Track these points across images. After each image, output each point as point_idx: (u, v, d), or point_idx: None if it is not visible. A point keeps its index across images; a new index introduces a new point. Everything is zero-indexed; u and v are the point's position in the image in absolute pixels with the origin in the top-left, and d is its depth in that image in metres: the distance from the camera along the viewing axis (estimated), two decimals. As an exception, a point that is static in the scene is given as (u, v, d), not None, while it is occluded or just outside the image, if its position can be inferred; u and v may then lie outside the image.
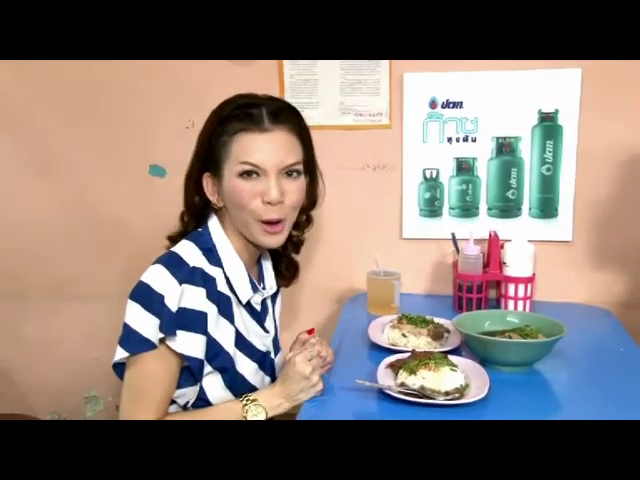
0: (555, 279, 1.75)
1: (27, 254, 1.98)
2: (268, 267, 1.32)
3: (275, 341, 1.32)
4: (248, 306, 1.23)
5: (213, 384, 1.16)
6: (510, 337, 1.29)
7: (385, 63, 1.73)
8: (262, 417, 1.12)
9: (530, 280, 1.63)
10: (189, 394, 1.15)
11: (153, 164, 1.87)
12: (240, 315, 1.21)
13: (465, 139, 1.75)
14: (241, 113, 1.15)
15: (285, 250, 1.33)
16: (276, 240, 1.19)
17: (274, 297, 1.35)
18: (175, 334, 1.08)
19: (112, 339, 1.94)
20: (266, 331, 1.28)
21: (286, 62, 1.76)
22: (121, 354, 1.10)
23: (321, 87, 1.77)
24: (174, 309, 1.08)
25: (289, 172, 1.17)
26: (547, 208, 1.75)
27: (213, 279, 1.15)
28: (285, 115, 1.17)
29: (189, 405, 1.16)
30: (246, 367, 1.20)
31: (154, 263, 1.13)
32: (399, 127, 1.76)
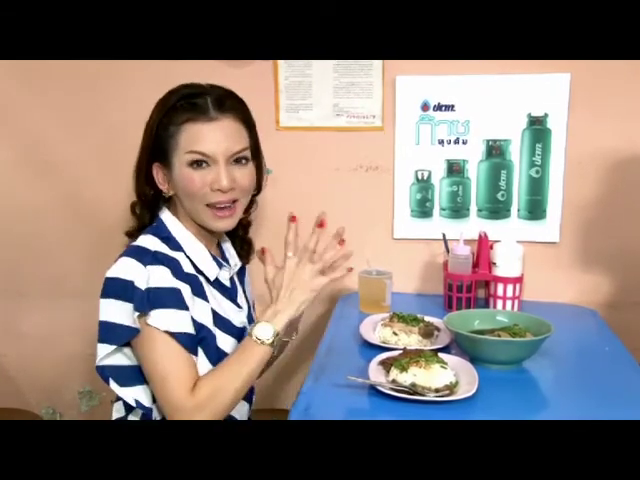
0: (543, 279, 1.77)
1: (24, 251, 1.98)
2: (228, 247, 1.36)
3: (249, 316, 1.34)
4: (217, 284, 1.26)
5: (198, 362, 1.16)
6: (499, 336, 1.31)
7: (378, 66, 1.74)
8: (271, 331, 1.14)
9: (519, 280, 1.65)
10: None
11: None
12: (212, 294, 1.23)
13: (456, 141, 1.77)
14: (186, 103, 1.17)
15: (236, 231, 1.36)
16: (226, 224, 1.22)
17: (241, 275, 1.39)
18: (148, 313, 1.09)
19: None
20: (239, 307, 1.30)
21: (281, 64, 1.77)
22: (106, 349, 1.11)
23: (315, 89, 1.79)
24: (143, 289, 1.10)
25: (238, 159, 1.19)
26: (535, 210, 1.78)
27: (176, 260, 1.17)
28: (230, 103, 1.19)
29: None
30: (226, 343, 1.21)
31: (117, 259, 1.15)
32: (391, 129, 1.78)
